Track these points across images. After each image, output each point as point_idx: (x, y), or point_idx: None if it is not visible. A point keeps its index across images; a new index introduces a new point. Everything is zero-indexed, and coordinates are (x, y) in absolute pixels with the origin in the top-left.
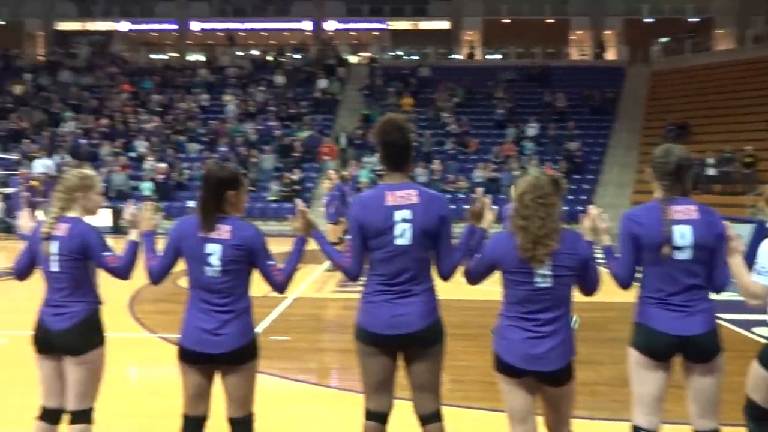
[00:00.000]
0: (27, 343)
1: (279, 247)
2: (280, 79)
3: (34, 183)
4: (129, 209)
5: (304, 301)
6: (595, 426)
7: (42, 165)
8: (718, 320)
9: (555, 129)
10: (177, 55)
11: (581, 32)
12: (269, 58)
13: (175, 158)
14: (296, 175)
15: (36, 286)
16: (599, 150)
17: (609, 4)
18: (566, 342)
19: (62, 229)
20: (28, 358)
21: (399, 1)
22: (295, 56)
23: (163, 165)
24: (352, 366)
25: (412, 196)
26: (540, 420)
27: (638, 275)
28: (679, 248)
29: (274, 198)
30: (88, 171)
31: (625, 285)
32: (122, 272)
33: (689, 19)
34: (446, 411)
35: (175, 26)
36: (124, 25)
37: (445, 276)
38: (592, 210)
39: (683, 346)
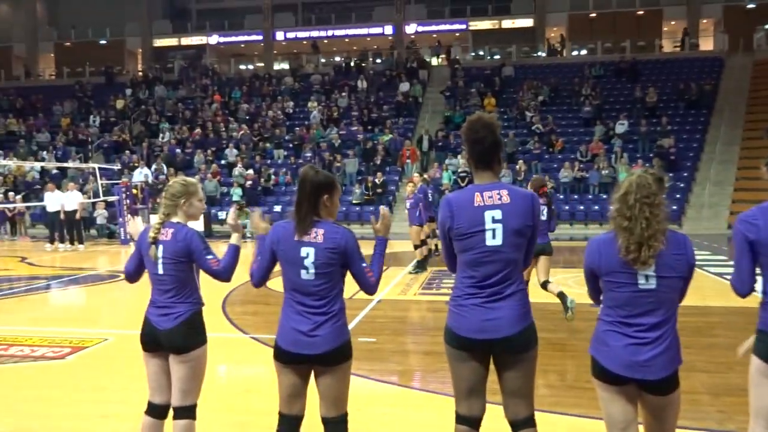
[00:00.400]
0: (130, 340)
1: (363, 250)
2: (362, 84)
3: (134, 191)
4: (231, 215)
5: (389, 303)
6: None
7: (141, 174)
8: None
9: (646, 125)
10: (263, 64)
11: (674, 23)
12: (352, 63)
13: (263, 164)
14: (379, 179)
15: (136, 287)
16: (695, 146)
17: None
18: (672, 348)
19: (167, 234)
20: (131, 355)
21: (481, 0)
22: (377, 61)
23: (250, 171)
24: (437, 368)
25: (502, 195)
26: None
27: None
28: None
29: (357, 201)
30: (190, 179)
31: (743, 295)
32: (223, 275)
33: None
34: (539, 417)
35: (260, 37)
36: (214, 39)
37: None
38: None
39: None
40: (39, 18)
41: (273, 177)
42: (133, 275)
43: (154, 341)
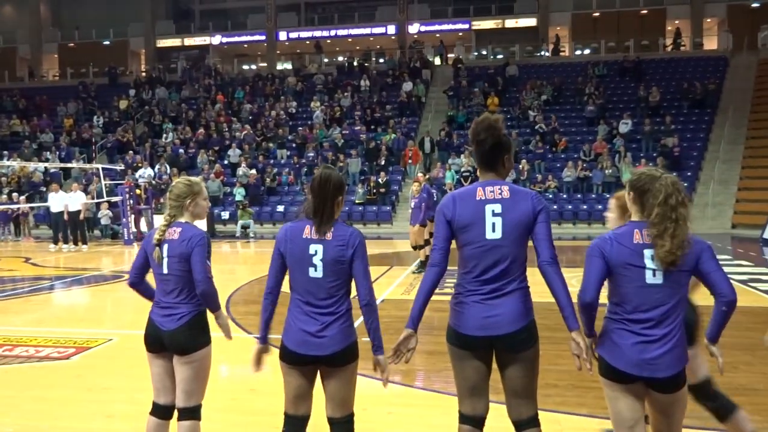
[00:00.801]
0: (134, 341)
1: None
2: (365, 84)
3: (137, 191)
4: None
5: (393, 302)
6: None
7: (144, 174)
8: None
9: (650, 125)
10: (266, 64)
11: (678, 22)
12: (355, 63)
13: (265, 164)
14: (382, 178)
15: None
16: (699, 146)
17: None
18: (679, 347)
19: (174, 233)
20: (135, 355)
21: (484, 0)
22: (380, 61)
23: (253, 171)
24: (441, 368)
25: (503, 191)
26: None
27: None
28: None
29: (360, 201)
30: (194, 178)
31: None
32: (208, 286)
33: None
34: (543, 416)
35: (263, 37)
36: (217, 39)
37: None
38: None
39: None
40: (43, 19)
41: (276, 177)
42: (137, 284)
43: (158, 342)
